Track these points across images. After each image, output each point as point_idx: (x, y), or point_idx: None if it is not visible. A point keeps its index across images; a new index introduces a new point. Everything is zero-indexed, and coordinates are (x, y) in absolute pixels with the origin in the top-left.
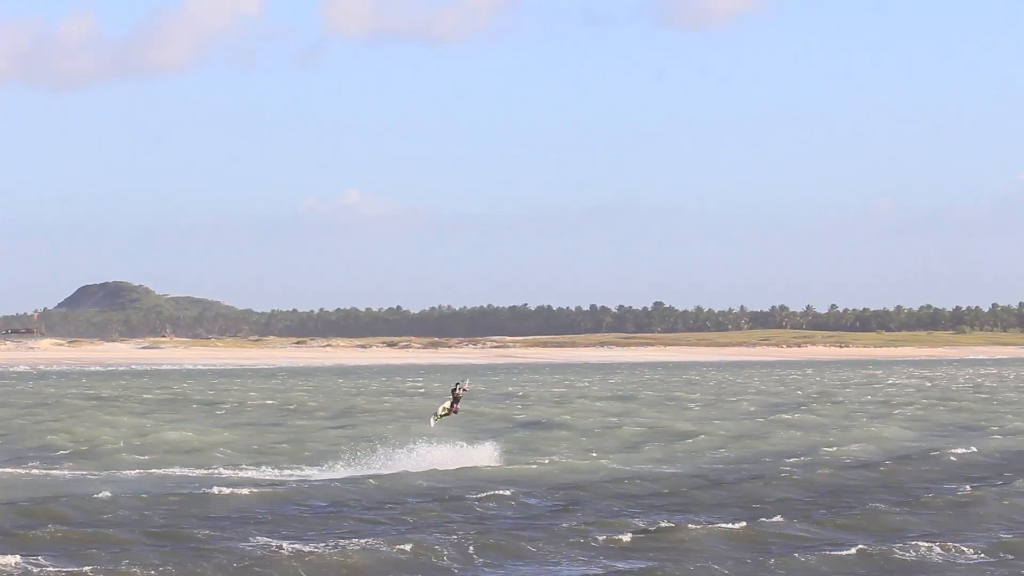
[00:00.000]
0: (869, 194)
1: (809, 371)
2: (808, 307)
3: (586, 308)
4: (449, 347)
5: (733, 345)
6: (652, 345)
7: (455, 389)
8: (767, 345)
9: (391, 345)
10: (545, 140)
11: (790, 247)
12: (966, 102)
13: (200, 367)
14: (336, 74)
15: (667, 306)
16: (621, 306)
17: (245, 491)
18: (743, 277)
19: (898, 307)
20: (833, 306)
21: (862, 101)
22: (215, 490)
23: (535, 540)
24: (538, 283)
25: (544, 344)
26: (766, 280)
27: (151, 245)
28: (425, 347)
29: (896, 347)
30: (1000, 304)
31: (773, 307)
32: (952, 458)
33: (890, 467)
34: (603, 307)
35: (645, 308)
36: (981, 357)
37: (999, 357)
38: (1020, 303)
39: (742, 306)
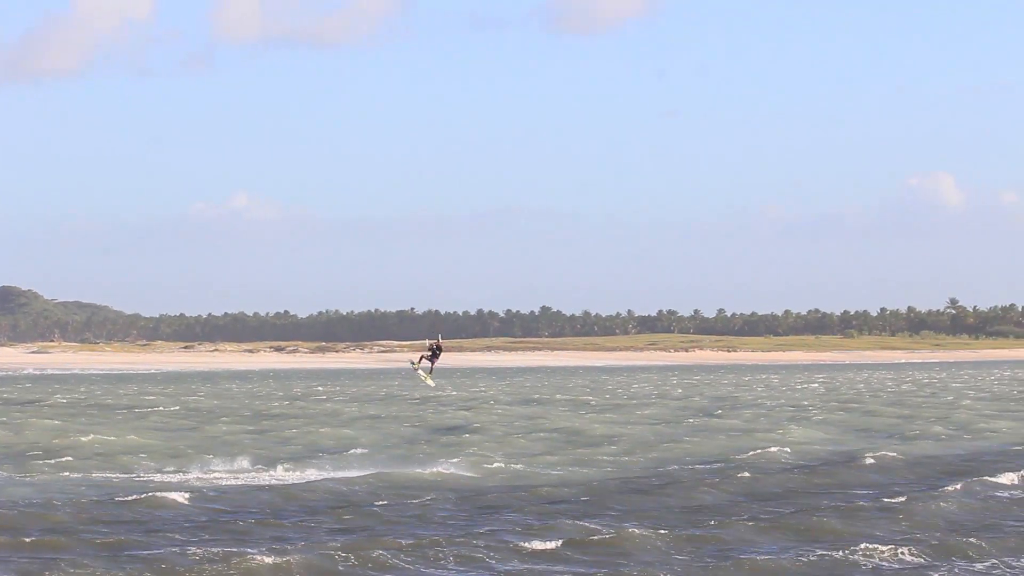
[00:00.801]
0: (758, 198)
1: (700, 376)
2: (696, 311)
3: (473, 312)
4: (336, 352)
5: (620, 349)
6: (539, 350)
7: (431, 345)
8: (655, 350)
9: (279, 350)
10: (433, 144)
11: (678, 251)
12: (856, 107)
13: (91, 372)
14: (225, 78)
15: (554, 310)
16: (508, 310)
17: (172, 496)
18: (630, 281)
19: (786, 311)
20: (721, 310)
21: (751, 105)
22: (142, 495)
23: (452, 547)
24: (425, 287)
25: None
26: (654, 284)
27: (39, 250)
28: (312, 352)
29: (784, 351)
30: (889, 308)
31: (661, 311)
32: (871, 461)
33: (812, 471)
34: (490, 311)
35: (532, 312)
36: (876, 361)
37: (897, 361)
38: (909, 307)
39: (629, 310)
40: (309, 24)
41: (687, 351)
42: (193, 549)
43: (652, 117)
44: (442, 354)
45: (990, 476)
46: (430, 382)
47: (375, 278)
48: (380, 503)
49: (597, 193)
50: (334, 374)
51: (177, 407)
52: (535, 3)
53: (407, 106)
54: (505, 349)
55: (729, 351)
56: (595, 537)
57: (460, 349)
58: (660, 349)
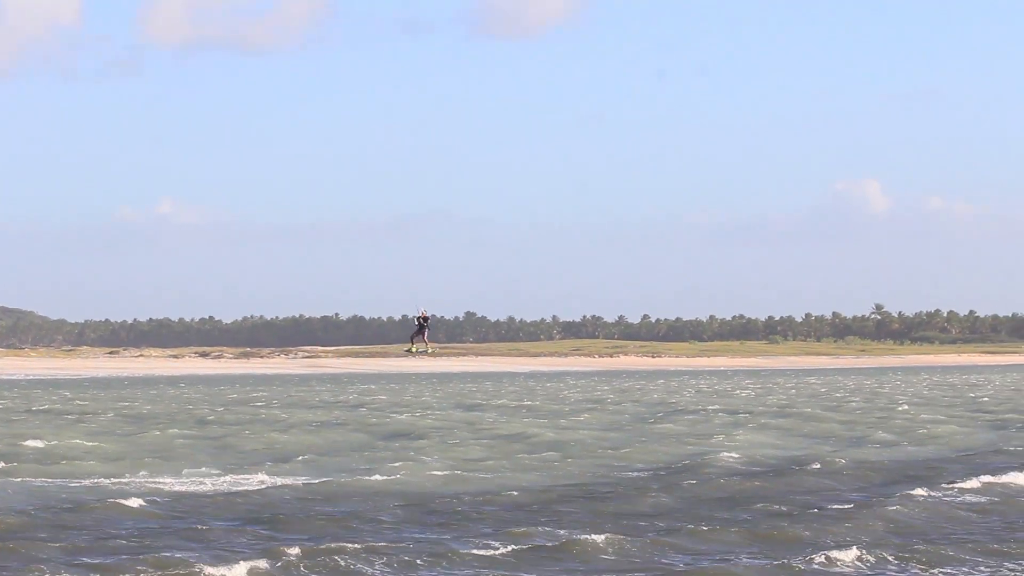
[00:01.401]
0: (683, 204)
1: (630, 381)
2: (620, 317)
3: (397, 318)
4: (261, 357)
5: (545, 355)
6: (464, 355)
7: (418, 320)
8: (579, 355)
9: (204, 355)
10: (359, 149)
11: (602, 257)
12: (782, 112)
13: (18, 377)
14: (153, 83)
15: (479, 316)
16: (433, 316)
17: (118, 502)
18: (555, 287)
19: (711, 317)
20: (645, 316)
21: (677, 111)
22: (87, 501)
23: (397, 554)
24: (350, 293)
25: (356, 354)
26: (578, 290)
27: None
28: (237, 357)
29: (709, 357)
30: (814, 314)
31: (585, 317)
32: (818, 466)
33: (760, 477)
34: (414, 317)
35: (456, 318)
36: (802, 366)
37: (824, 367)
38: (834, 313)
39: (554, 316)
40: (237, 29)
41: (612, 357)
42: (140, 556)
43: (578, 122)
44: (367, 360)
45: (941, 482)
46: (429, 349)
47: (300, 284)
48: (324, 510)
49: (522, 198)
50: (264, 379)
51: (111, 413)
52: (461, 7)
53: (333, 111)
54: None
55: (653, 356)
56: (544, 543)
57: (385, 355)
58: (585, 355)
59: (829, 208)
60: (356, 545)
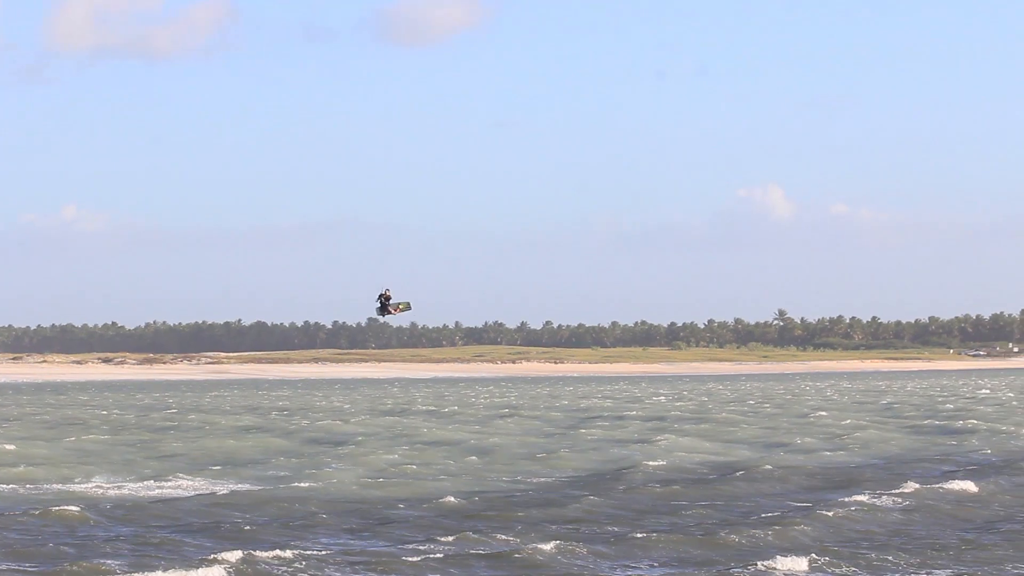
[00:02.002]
0: (587, 210)
1: (542, 387)
2: (523, 323)
3: (300, 324)
4: (164, 363)
5: (447, 361)
6: (367, 361)
7: (380, 296)
8: (482, 361)
9: (107, 361)
10: (264, 155)
11: (505, 263)
12: (685, 118)
13: None
14: (58, 90)
15: (381, 322)
16: (336, 322)
17: (41, 510)
18: (457, 293)
19: (613, 323)
20: (548, 322)
21: (581, 117)
22: (21, 508)
23: (331, 564)
24: (252, 299)
25: (259, 360)
26: (480, 296)
27: None
28: (140, 363)
29: (612, 363)
30: (716, 320)
31: (487, 323)
32: (743, 472)
33: (690, 484)
34: (317, 323)
35: (359, 324)
36: (706, 373)
37: (729, 373)
38: (736, 319)
39: (456, 322)
40: (141, 35)
41: (514, 363)
42: (70, 564)
43: (483, 128)
44: (270, 366)
45: (869, 488)
46: (402, 305)
47: (202, 290)
48: (254, 517)
49: (425, 204)
50: (170, 385)
51: (23, 420)
52: (365, 14)
53: (238, 117)
54: (332, 361)
55: (556, 363)
56: (475, 550)
57: (287, 361)
58: (487, 361)
59: (732, 214)
60: (290, 552)
